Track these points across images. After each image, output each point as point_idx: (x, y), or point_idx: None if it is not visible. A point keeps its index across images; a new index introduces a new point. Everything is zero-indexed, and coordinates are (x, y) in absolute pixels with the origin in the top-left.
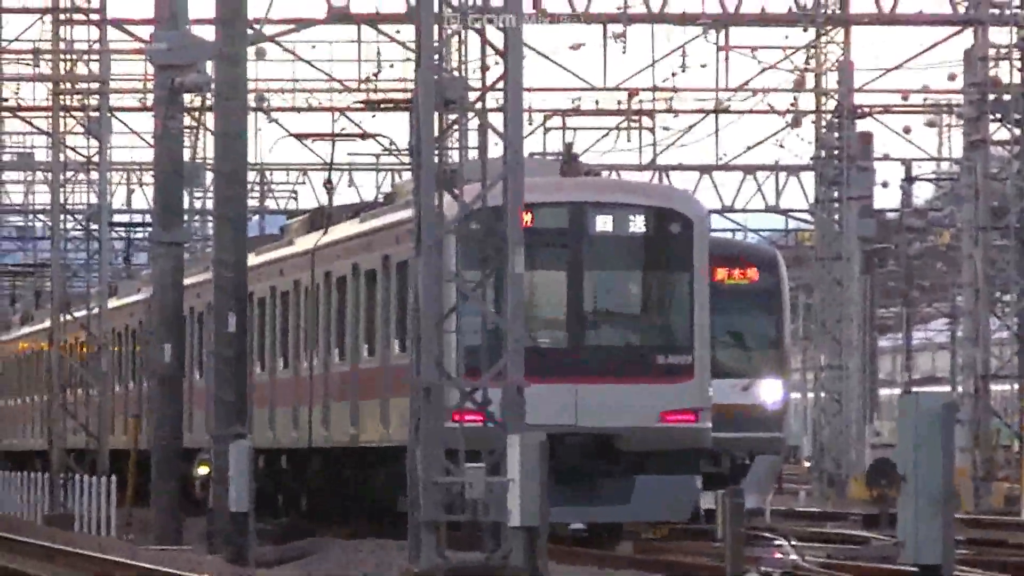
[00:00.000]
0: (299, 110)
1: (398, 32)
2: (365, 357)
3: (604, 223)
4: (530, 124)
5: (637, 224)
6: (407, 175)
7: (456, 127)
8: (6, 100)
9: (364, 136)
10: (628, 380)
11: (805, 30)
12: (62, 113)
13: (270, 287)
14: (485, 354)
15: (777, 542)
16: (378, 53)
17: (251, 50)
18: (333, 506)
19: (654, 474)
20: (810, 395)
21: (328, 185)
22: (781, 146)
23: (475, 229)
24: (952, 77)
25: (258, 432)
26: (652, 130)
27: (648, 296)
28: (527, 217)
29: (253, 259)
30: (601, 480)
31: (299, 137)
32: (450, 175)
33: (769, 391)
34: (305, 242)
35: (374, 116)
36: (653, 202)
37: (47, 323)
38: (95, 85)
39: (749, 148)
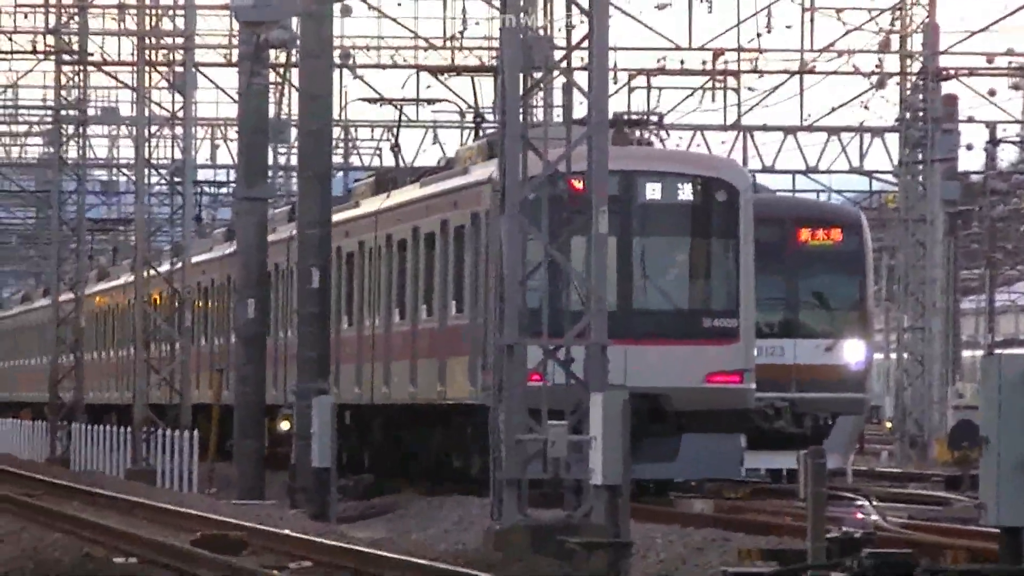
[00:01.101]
0: (384, 67)
1: None
2: (423, 318)
3: (653, 191)
4: (615, 83)
5: (685, 192)
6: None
7: (541, 87)
8: (91, 55)
9: (430, 101)
10: (675, 342)
11: None
12: (147, 68)
13: (336, 247)
14: (551, 316)
15: (858, 502)
16: (464, 11)
17: (336, 7)
18: (399, 463)
19: (699, 432)
20: (893, 356)
21: (395, 148)
22: (866, 107)
23: (560, 190)
24: None
25: (343, 388)
26: (737, 91)
27: (695, 262)
28: (578, 184)
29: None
30: (649, 438)
31: (371, 101)
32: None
33: (852, 352)
34: (369, 205)
35: (459, 75)
36: (700, 171)
37: (123, 279)
38: (180, 40)
39: (833, 109)
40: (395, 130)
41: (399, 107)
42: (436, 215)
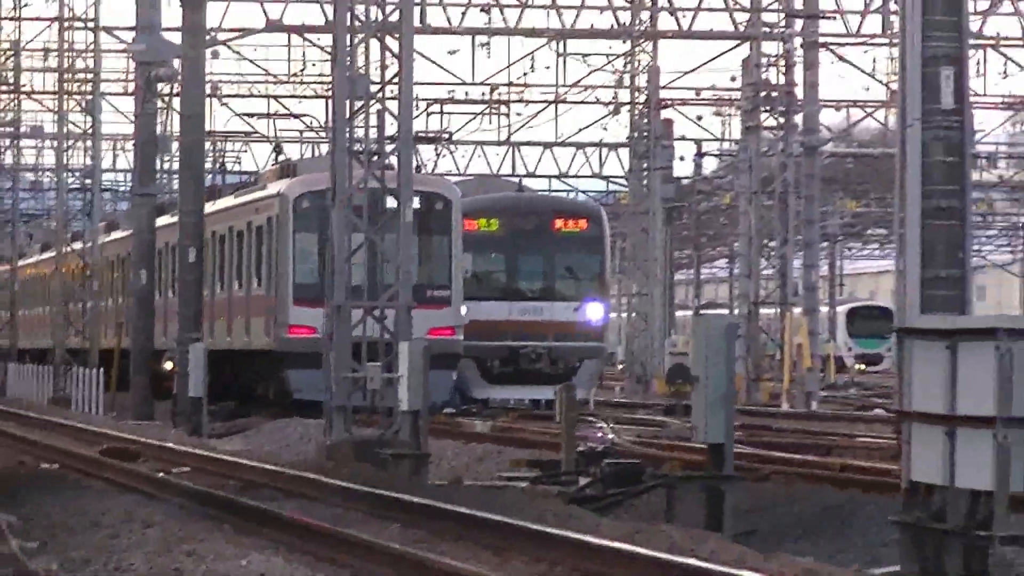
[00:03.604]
0: (243, 97)
1: (319, 39)
2: (236, 290)
3: (393, 202)
4: (417, 110)
5: (415, 203)
6: (324, 148)
7: (362, 112)
8: (24, 86)
9: (293, 116)
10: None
11: (624, 42)
12: (66, 96)
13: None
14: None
15: (599, 425)
16: (303, 55)
17: (208, 51)
18: (241, 393)
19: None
20: (624, 315)
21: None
22: (605, 128)
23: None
24: (733, 79)
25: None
26: (508, 115)
27: (422, 251)
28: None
29: (169, 219)
30: None
31: (243, 116)
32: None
33: (594, 312)
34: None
35: (300, 102)
36: (425, 188)
37: (47, 255)
38: (90, 76)
39: (581, 130)
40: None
41: (252, 126)
42: (244, 218)
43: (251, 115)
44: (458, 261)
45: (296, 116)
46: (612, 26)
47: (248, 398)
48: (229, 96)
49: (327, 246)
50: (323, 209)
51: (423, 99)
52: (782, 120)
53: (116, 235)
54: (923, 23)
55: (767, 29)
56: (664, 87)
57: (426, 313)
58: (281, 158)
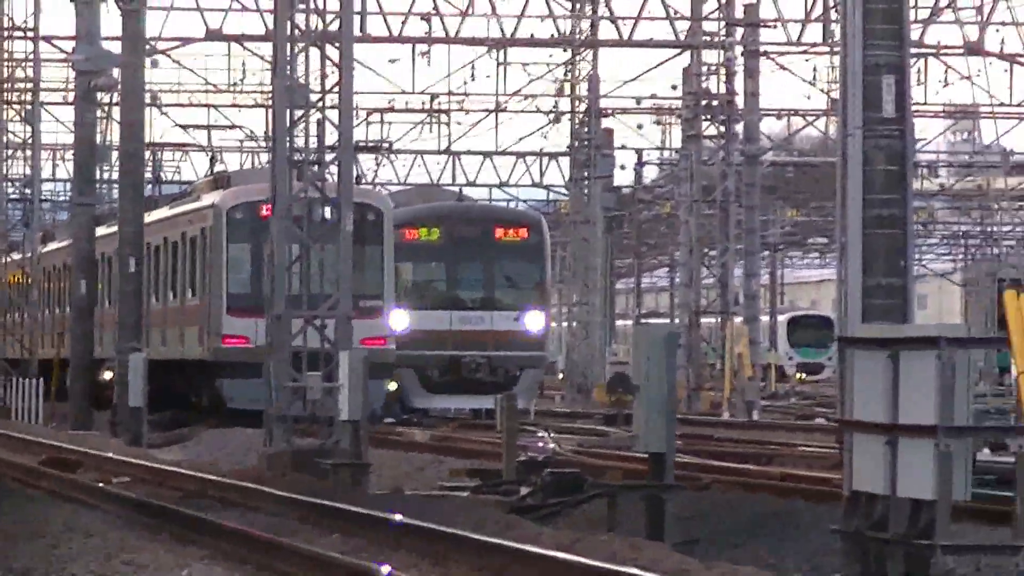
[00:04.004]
0: (183, 106)
1: (259, 48)
2: (170, 300)
3: (330, 214)
4: (357, 119)
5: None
6: (264, 157)
7: (302, 121)
8: None
9: (231, 127)
10: None
11: (564, 50)
12: (4, 105)
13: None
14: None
15: (540, 434)
16: (243, 64)
17: (148, 60)
18: (178, 402)
19: None
20: (564, 324)
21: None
22: (545, 137)
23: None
24: (674, 87)
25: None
26: (448, 124)
27: (355, 262)
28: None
29: (106, 230)
30: None
31: (183, 127)
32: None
33: (534, 321)
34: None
35: (240, 111)
36: (358, 199)
37: None
38: (30, 85)
39: (521, 139)
40: (209, 152)
41: (190, 133)
42: (179, 229)
43: (188, 127)
44: (390, 272)
45: (234, 127)
46: (552, 35)
47: (183, 407)
48: (169, 105)
49: (260, 256)
50: (256, 220)
51: (363, 108)
52: (723, 129)
53: (53, 245)
54: (864, 31)
55: (708, 38)
56: (604, 96)
57: (358, 323)
58: (218, 168)
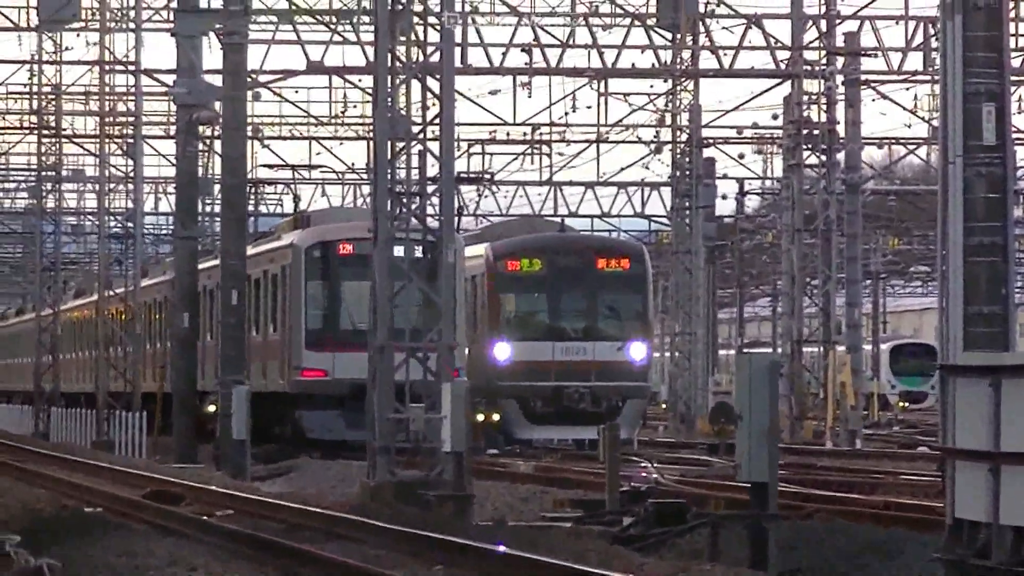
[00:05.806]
0: (285, 139)
1: (360, 80)
2: (255, 335)
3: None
4: (458, 150)
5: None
6: (366, 189)
7: (403, 152)
8: (65, 130)
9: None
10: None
11: (665, 81)
12: (107, 140)
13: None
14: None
15: (643, 464)
16: (344, 96)
17: (249, 93)
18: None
19: None
20: (667, 354)
21: (296, 199)
22: (647, 168)
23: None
24: (775, 116)
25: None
26: (549, 155)
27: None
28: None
29: (203, 264)
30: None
31: (278, 167)
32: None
33: (637, 351)
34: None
35: (341, 144)
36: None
37: (90, 298)
38: (131, 119)
39: (623, 169)
40: (293, 186)
41: (293, 169)
42: (262, 267)
43: (277, 166)
44: (460, 305)
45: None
46: (653, 65)
47: (265, 440)
48: (270, 138)
49: (337, 293)
50: (333, 258)
51: (464, 139)
52: (824, 158)
53: (148, 281)
54: (964, 60)
55: (808, 67)
56: (706, 125)
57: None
58: (299, 207)
